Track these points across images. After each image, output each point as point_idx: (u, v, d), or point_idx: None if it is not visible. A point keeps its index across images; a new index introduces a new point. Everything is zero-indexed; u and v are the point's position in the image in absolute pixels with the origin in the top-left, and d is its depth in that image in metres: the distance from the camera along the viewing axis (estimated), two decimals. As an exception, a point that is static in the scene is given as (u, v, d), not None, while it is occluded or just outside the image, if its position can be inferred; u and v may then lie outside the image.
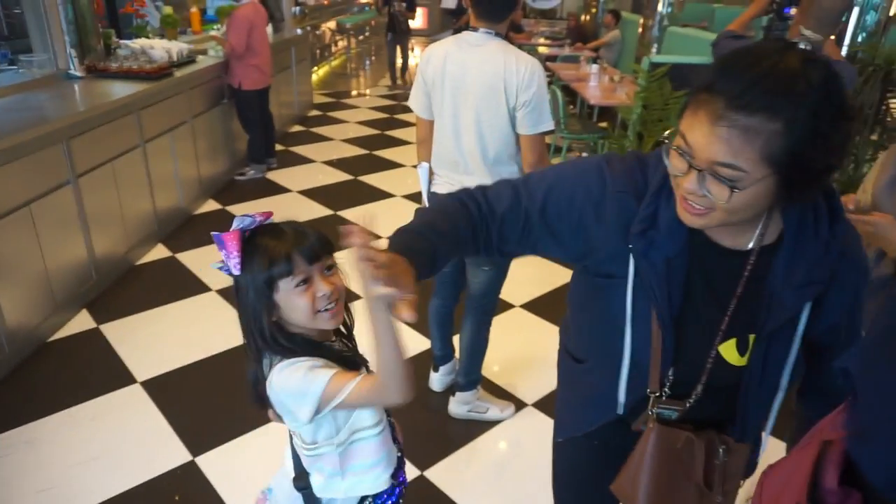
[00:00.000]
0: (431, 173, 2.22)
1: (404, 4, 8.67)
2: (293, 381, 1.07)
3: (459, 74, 1.98)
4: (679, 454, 1.04)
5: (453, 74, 1.99)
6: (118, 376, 2.69)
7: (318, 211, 4.58)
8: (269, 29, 5.64)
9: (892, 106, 3.94)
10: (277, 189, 5.01)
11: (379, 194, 4.96)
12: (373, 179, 5.28)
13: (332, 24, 11.10)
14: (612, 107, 5.43)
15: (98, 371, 2.73)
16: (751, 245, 0.96)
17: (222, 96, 4.86)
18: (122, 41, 4.73)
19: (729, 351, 1.01)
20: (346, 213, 4.53)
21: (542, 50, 9.18)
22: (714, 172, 0.80)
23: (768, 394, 1.03)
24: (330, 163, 5.68)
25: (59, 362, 2.79)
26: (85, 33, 4.10)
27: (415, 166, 2.28)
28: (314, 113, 7.49)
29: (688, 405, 1.04)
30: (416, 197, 4.68)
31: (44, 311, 2.90)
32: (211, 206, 4.61)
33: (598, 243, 1.01)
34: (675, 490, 1.05)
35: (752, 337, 1.00)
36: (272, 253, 1.06)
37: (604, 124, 6.28)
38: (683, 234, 0.95)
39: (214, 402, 2.55)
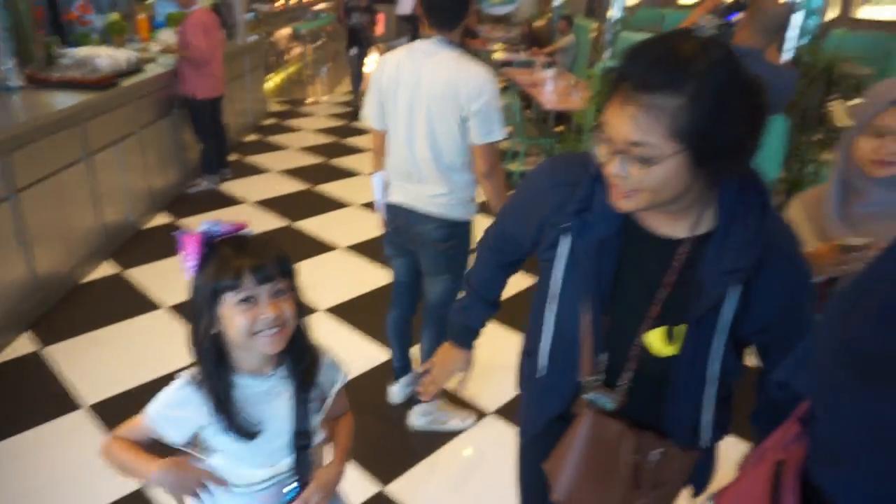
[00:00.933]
0: (386, 183, 2.19)
1: (365, 16, 7.99)
2: (157, 400, 1.14)
3: (413, 83, 1.96)
4: (610, 445, 1.04)
5: (406, 83, 1.97)
6: (63, 401, 2.57)
7: (274, 222, 4.49)
8: (222, 36, 5.52)
9: (831, 107, 4.07)
10: (232, 200, 4.90)
11: (336, 204, 4.90)
12: (330, 188, 5.21)
13: (287, 31, 10.95)
14: (568, 111, 5.49)
15: (41, 396, 2.61)
16: (684, 234, 0.98)
17: (172, 106, 4.72)
18: (65, 50, 4.56)
19: (655, 339, 1.02)
20: (303, 224, 4.46)
21: (497, 55, 9.23)
22: (629, 152, 0.85)
23: (697, 386, 1.03)
24: (286, 172, 5.59)
25: (-2, 388, 2.66)
26: (24, 41, 3.93)
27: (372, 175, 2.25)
28: (269, 121, 7.37)
29: (618, 392, 1.05)
30: (373, 206, 4.65)
31: (-18, 335, 2.76)
32: (162, 219, 4.48)
33: (543, 234, 1.09)
34: (601, 480, 1.05)
35: (683, 327, 1.00)
36: (224, 264, 1.05)
37: (560, 128, 6.34)
38: (618, 219, 1.00)
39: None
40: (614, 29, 6.88)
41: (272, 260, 1.07)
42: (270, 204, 4.82)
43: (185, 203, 4.79)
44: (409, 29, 5.92)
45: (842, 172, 1.47)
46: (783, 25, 2.47)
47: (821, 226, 1.50)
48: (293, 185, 5.27)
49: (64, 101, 3.49)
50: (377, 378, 2.72)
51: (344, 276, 3.70)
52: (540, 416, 1.21)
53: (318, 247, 4.11)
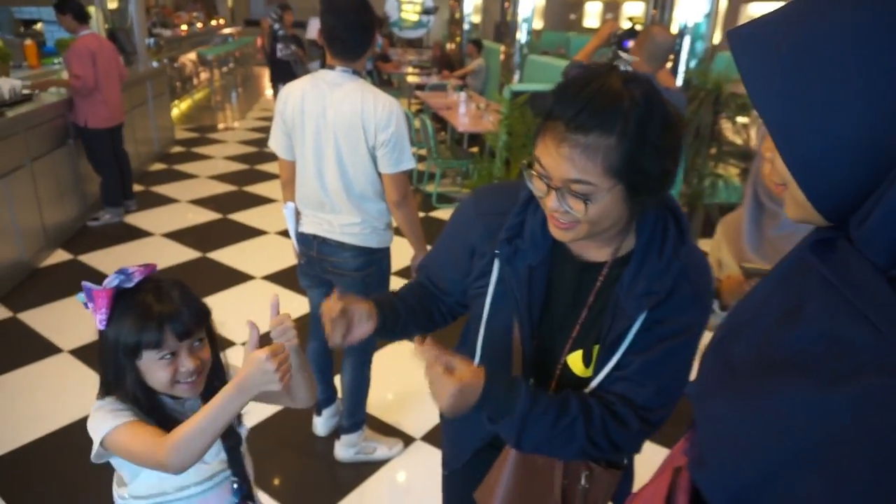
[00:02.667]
0: (298, 213, 2.15)
1: (291, 47, 6.86)
2: (93, 417, 1.08)
3: (318, 114, 1.95)
4: (541, 471, 1.06)
5: (312, 114, 1.95)
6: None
7: (186, 254, 4.31)
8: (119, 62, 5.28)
9: (724, 126, 4.39)
10: (138, 233, 4.66)
11: (251, 232, 4.76)
12: (244, 217, 5.06)
13: (192, 56, 10.63)
14: (481, 133, 5.62)
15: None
16: (606, 258, 1.02)
17: (68, 136, 4.46)
18: (-59, 79, 4.22)
19: (575, 362, 1.05)
20: (217, 255, 4.30)
21: (410, 79, 9.36)
22: (568, 189, 0.88)
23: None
24: (197, 201, 5.38)
25: None
26: None
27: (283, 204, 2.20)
28: (177, 149, 7.09)
29: None
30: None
31: None
32: (60, 256, 4.19)
33: (473, 263, 1.12)
34: None
35: (596, 348, 1.03)
36: (144, 320, 1.04)
37: (474, 149, 6.48)
38: (547, 245, 1.02)
39: (69, 479, 2.29)
40: (522, 52, 7.16)
41: (190, 313, 1.08)
42: (181, 235, 4.63)
43: (85, 238, 4.51)
44: (319, 55, 5.86)
45: (753, 195, 1.51)
46: (668, 53, 2.66)
47: (739, 249, 1.53)
48: (205, 215, 5.08)
49: (-59, 134, 3.22)
50: (300, 411, 2.64)
51: (261, 307, 3.56)
52: (467, 445, 1.21)
53: (233, 277, 3.97)
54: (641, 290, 0.96)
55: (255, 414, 2.61)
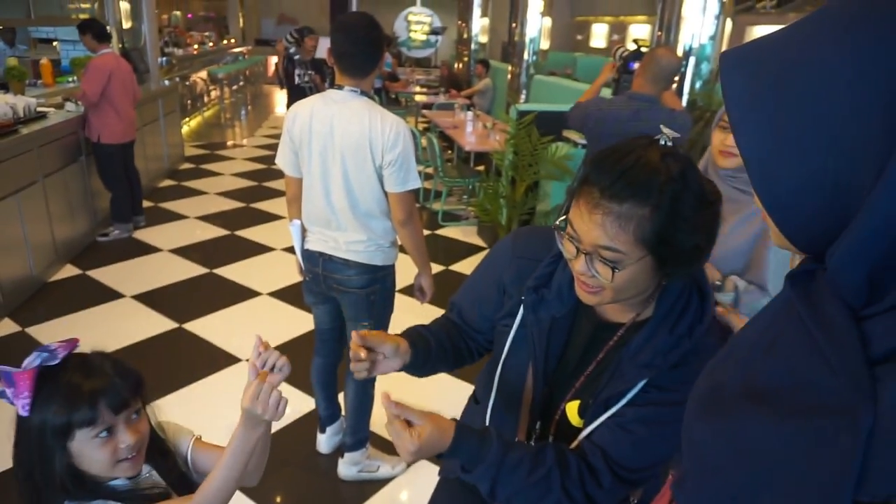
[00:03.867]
0: (304, 230, 2.17)
1: (310, 73, 5.98)
2: None
3: (326, 132, 1.98)
4: None
5: (320, 132, 1.98)
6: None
7: (192, 270, 4.34)
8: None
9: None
10: (146, 248, 4.70)
11: (258, 248, 4.79)
12: (251, 233, 5.09)
13: (203, 75, 10.79)
14: (487, 152, 5.66)
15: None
16: (626, 319, 1.04)
17: (80, 152, 4.52)
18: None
19: (572, 411, 1.08)
20: (223, 271, 4.33)
21: (418, 98, 9.45)
22: (598, 255, 0.90)
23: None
24: (204, 218, 5.43)
25: None
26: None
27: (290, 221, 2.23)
28: (186, 166, 7.17)
29: None
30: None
31: None
32: (69, 271, 4.23)
33: (503, 303, 1.15)
34: None
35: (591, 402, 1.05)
36: (74, 397, 0.95)
37: (480, 167, 6.51)
38: (572, 301, 1.04)
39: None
40: (529, 72, 7.23)
41: (124, 383, 1.00)
42: (188, 251, 4.66)
43: (95, 253, 4.56)
44: (329, 73, 5.75)
45: (703, 168, 1.57)
46: (673, 75, 2.68)
47: None
48: (212, 231, 5.12)
49: (-44, 150, 3.28)
50: (303, 428, 2.64)
51: (266, 324, 3.61)
52: None
53: (239, 293, 3.99)
54: (644, 360, 0.97)
55: (259, 430, 2.61)
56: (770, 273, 1.50)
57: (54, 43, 6.94)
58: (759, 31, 10.68)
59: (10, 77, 4.88)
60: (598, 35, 15.41)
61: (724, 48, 4.76)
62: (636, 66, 2.89)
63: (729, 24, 4.78)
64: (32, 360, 0.95)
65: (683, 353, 0.96)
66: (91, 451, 0.98)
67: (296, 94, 5.97)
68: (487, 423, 1.17)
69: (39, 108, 4.31)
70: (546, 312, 1.05)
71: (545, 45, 10.92)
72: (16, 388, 0.93)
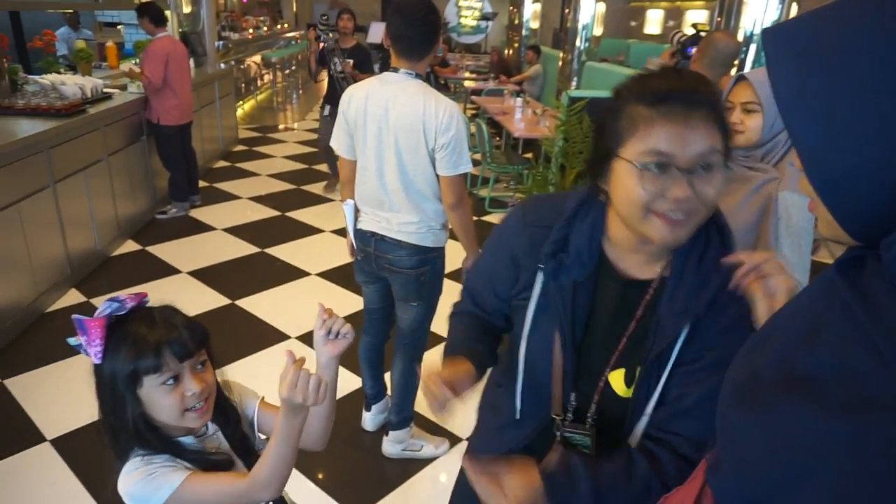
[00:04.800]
0: (357, 211, 2.21)
1: (350, 62, 5.07)
2: (135, 487, 1.00)
3: (381, 114, 2.00)
4: None
5: (375, 115, 2.01)
6: (25, 435, 2.50)
7: (244, 249, 4.46)
8: (191, 63, 5.53)
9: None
10: (201, 227, 4.86)
11: (307, 230, 4.89)
12: (301, 215, 5.21)
13: (257, 59, 11.00)
14: (536, 139, 5.61)
15: (2, 430, 2.53)
16: (654, 274, 1.00)
17: (141, 132, 4.70)
18: (30, 77, 4.52)
19: (617, 380, 1.03)
20: (274, 251, 4.44)
21: (468, 83, 9.41)
22: (703, 162, 0.87)
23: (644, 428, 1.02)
24: (256, 199, 5.57)
25: (-44, 423, 2.57)
26: (-13, 69, 3.89)
27: (343, 201, 2.27)
28: (239, 148, 7.35)
29: (589, 430, 1.05)
30: (344, 232, 4.66)
31: (-61, 368, 2.67)
32: (130, 246, 4.41)
33: (518, 275, 1.09)
34: None
35: (639, 370, 1.01)
36: (140, 345, 0.98)
37: (528, 155, 6.46)
38: (593, 261, 1.01)
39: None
40: (580, 59, 7.11)
41: (189, 333, 1.03)
42: (241, 230, 4.80)
43: (153, 230, 4.74)
44: (379, 57, 5.54)
45: None
46: (732, 60, 2.60)
47: None
48: (264, 212, 5.26)
49: (28, 128, 3.45)
50: (350, 405, 2.70)
51: (314, 303, 3.67)
52: (498, 447, 1.18)
53: (289, 273, 4.10)
54: (679, 307, 0.94)
55: (307, 405, 2.69)
56: (785, 249, 1.49)
57: (118, 26, 7.19)
58: (825, 17, 10.19)
59: (78, 59, 5.09)
60: (653, 21, 14.99)
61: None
62: (694, 50, 2.82)
63: (794, 8, 4.59)
64: (103, 309, 0.99)
65: (715, 289, 0.93)
66: (159, 398, 1.01)
67: (332, 87, 5.24)
68: (518, 406, 1.12)
69: (105, 90, 4.49)
70: (567, 278, 1.01)
71: (598, 31, 10.72)
72: (88, 336, 0.98)
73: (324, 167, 6.22)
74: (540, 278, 1.03)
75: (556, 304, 1.02)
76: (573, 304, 1.01)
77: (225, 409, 1.15)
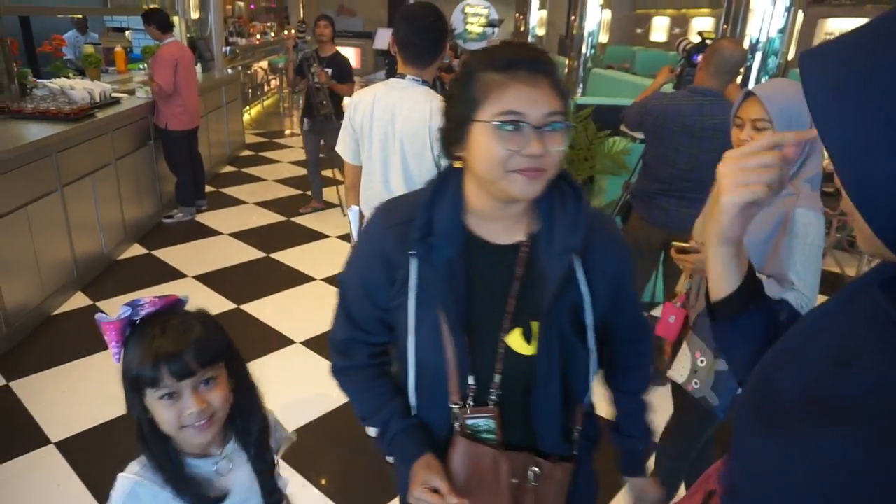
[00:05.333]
0: (362, 216, 2.22)
1: (329, 71, 4.79)
2: (113, 495, 1.04)
3: (387, 120, 2.01)
4: (487, 472, 1.03)
5: (381, 120, 2.02)
6: (30, 437, 2.51)
7: (250, 253, 4.48)
8: (199, 68, 5.56)
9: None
10: (207, 231, 4.88)
11: (313, 235, 4.91)
12: (306, 220, 5.22)
13: (264, 64, 11.06)
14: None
15: (7, 432, 2.54)
16: (521, 237, 1.05)
17: (149, 137, 4.73)
18: (39, 81, 4.56)
19: (515, 340, 1.03)
20: (279, 256, 4.45)
21: (473, 90, 9.40)
22: (551, 123, 0.94)
23: (557, 385, 1.04)
24: (262, 204, 5.59)
25: (-38, 425, 2.58)
26: (-3, 73, 3.92)
27: (347, 207, 2.28)
28: (246, 153, 7.39)
29: (492, 409, 1.04)
30: (350, 237, 4.67)
31: (-54, 370, 2.69)
32: (136, 250, 4.44)
33: (395, 275, 1.06)
34: None
35: (535, 325, 1.02)
36: (143, 356, 0.98)
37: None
38: (460, 236, 1.04)
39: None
40: (586, 66, 7.12)
41: (195, 349, 1.00)
42: (246, 235, 4.82)
43: (160, 234, 4.76)
44: (385, 63, 5.33)
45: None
46: (738, 67, 2.58)
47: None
48: (270, 217, 5.27)
49: (37, 132, 3.47)
50: (352, 411, 2.70)
51: (319, 308, 3.69)
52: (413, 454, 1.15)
53: (294, 278, 4.11)
54: (558, 248, 1.01)
55: (309, 411, 2.69)
56: (798, 266, 1.48)
57: (126, 32, 7.25)
58: (832, 24, 10.21)
59: (86, 64, 5.14)
60: (659, 28, 15.01)
61: (794, 42, 4.58)
62: (699, 58, 2.81)
63: (800, 16, 4.59)
64: (122, 313, 1.01)
65: (589, 220, 1.03)
66: (158, 410, 1.01)
67: (306, 100, 4.96)
68: (415, 401, 1.10)
69: (114, 94, 4.52)
70: (439, 257, 1.01)
71: (604, 38, 10.72)
72: (107, 338, 1.01)
73: (327, 172, 5.79)
74: (414, 266, 1.03)
75: (434, 288, 1.02)
76: (450, 282, 1.02)
77: (248, 430, 1.12)
